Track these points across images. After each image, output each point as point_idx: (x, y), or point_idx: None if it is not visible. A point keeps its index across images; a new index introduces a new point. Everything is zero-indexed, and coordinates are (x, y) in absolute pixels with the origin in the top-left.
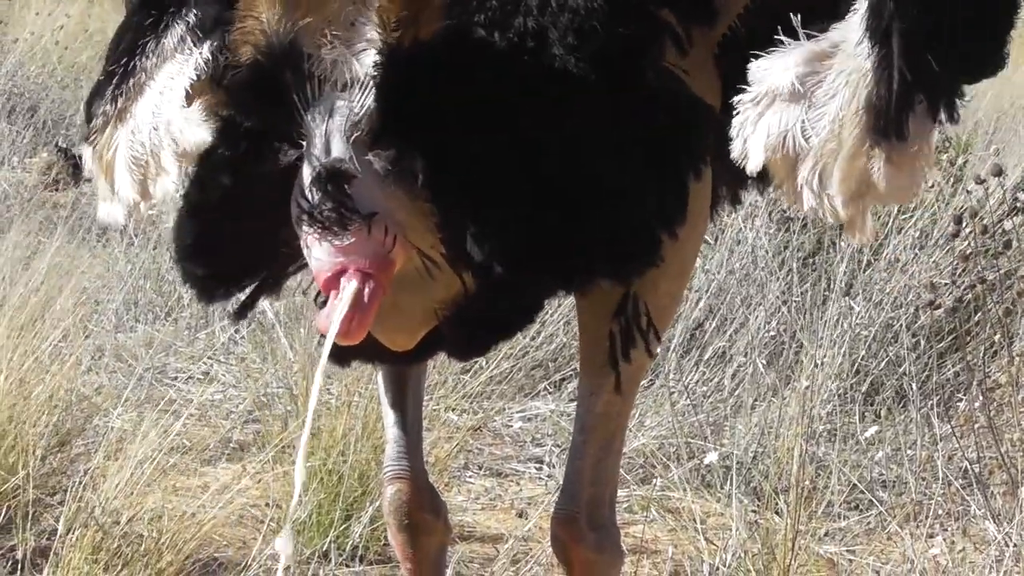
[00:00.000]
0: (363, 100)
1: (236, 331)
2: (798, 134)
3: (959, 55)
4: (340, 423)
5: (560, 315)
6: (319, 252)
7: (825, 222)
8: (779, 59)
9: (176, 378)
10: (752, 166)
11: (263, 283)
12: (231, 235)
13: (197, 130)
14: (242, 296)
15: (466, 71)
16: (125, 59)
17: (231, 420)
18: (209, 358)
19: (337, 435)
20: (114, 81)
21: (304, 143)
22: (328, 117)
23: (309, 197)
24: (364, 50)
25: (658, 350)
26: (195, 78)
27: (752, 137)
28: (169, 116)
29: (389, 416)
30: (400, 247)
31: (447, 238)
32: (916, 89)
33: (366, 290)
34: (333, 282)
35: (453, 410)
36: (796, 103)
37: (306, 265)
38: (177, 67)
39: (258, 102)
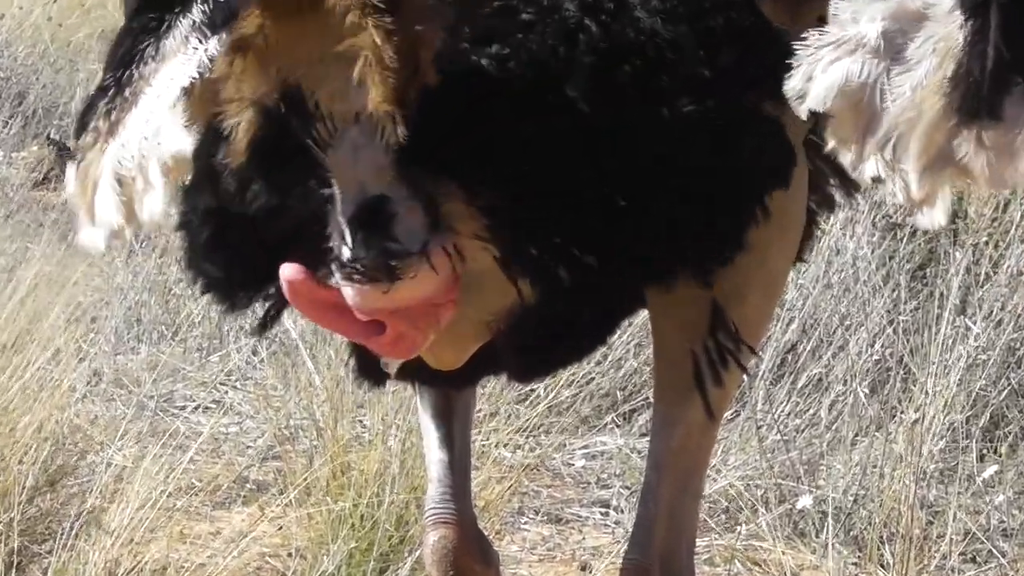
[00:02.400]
0: (384, 142)
1: (254, 353)
2: (876, 92)
3: None
4: (374, 459)
5: (630, 336)
6: (360, 299)
7: (894, 201)
8: (869, 6)
9: (184, 407)
10: (807, 107)
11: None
12: (251, 236)
13: (180, 135)
14: (264, 306)
15: (491, 87)
16: (121, 70)
17: (247, 456)
18: (222, 384)
19: (370, 473)
20: (108, 94)
21: (332, 182)
22: (353, 162)
23: (348, 243)
24: (360, 78)
25: (750, 364)
26: (197, 77)
27: (821, 77)
28: (159, 122)
29: (432, 451)
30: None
31: (498, 238)
32: (1014, 69)
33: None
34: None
35: (506, 445)
36: (880, 59)
37: None
38: (178, 67)
39: (275, 165)
